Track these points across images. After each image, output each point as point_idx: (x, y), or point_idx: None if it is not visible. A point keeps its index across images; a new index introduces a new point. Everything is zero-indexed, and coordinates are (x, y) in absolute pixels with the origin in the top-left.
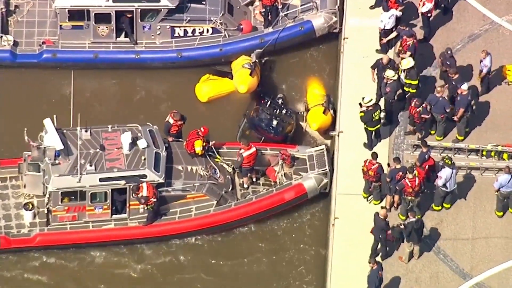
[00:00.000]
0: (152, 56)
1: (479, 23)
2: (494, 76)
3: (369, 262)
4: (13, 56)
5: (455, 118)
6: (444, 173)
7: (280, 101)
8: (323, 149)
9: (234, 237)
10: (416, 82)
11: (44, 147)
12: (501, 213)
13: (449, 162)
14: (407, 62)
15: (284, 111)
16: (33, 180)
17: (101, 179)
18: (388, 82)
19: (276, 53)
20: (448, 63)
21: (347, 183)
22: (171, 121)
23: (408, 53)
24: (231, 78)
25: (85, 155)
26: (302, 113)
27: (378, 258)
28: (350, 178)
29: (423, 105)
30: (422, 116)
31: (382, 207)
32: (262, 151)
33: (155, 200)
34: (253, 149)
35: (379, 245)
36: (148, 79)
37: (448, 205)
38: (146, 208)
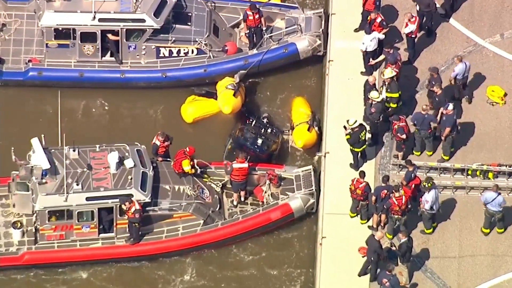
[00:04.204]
0: (137, 76)
1: (463, 45)
2: (479, 96)
3: (389, 270)
4: None
5: (442, 137)
6: (430, 196)
7: (265, 120)
8: (310, 169)
9: (220, 257)
10: (397, 95)
11: (32, 166)
12: (487, 230)
13: (430, 184)
14: (390, 71)
15: (269, 130)
16: (22, 200)
17: (87, 198)
18: (373, 103)
19: (261, 74)
20: (434, 82)
21: (334, 203)
22: (158, 142)
23: (388, 77)
24: (217, 99)
25: (72, 174)
26: (287, 131)
27: (366, 277)
28: (337, 198)
29: (401, 124)
30: (397, 134)
31: (369, 227)
32: (251, 171)
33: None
34: (245, 165)
35: (370, 266)
36: (133, 98)
37: (434, 224)
38: (134, 225)
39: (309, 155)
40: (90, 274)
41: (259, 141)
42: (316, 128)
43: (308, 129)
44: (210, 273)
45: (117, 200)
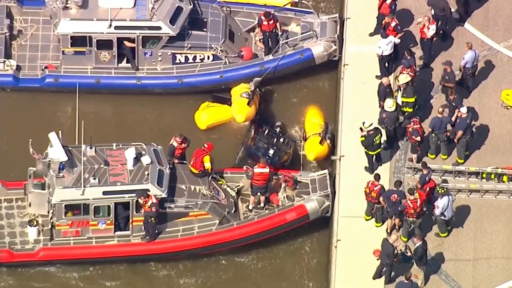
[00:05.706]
0: (153, 82)
1: (478, 49)
2: (493, 100)
3: (407, 277)
4: (15, 80)
5: (455, 140)
6: (441, 203)
7: (278, 129)
8: (325, 173)
9: (234, 258)
10: (413, 99)
11: (49, 161)
12: None
13: (443, 191)
14: (404, 76)
15: (281, 140)
16: (38, 199)
17: (104, 192)
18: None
19: (275, 80)
20: (447, 77)
21: (349, 206)
22: (175, 143)
23: (403, 83)
24: (231, 105)
25: (89, 170)
26: (299, 141)
27: (381, 280)
28: (351, 201)
29: (416, 127)
30: (412, 137)
31: (386, 230)
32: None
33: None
34: (266, 170)
35: (384, 269)
36: (148, 104)
37: (449, 227)
38: (150, 220)
39: (323, 163)
40: (95, 272)
41: (271, 151)
42: (328, 141)
43: (320, 142)
44: (222, 275)
45: (134, 194)
